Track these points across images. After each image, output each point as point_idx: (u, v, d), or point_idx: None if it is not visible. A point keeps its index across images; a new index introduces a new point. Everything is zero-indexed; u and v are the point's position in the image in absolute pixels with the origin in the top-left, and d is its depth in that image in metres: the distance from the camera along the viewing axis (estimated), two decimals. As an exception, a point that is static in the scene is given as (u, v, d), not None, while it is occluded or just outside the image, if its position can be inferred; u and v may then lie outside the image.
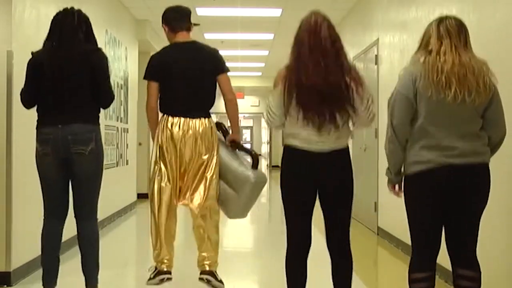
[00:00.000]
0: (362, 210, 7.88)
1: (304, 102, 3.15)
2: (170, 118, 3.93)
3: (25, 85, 3.80)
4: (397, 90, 3.10)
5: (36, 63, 3.73)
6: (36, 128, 3.75)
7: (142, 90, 10.31)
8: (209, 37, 11.15)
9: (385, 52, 6.96)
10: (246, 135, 40.72)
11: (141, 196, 10.47)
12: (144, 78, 4.06)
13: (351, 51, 8.92)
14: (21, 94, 3.83)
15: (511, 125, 3.76)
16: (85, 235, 3.78)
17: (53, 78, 3.66)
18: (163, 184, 3.95)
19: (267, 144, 25.50)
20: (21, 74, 4.60)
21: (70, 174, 3.73)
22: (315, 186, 3.25)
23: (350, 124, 3.27)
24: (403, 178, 3.20)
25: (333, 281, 3.32)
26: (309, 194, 3.26)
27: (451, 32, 3.05)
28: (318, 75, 3.12)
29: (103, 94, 3.77)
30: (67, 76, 3.66)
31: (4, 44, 4.68)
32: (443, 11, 5.03)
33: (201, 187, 3.94)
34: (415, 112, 3.04)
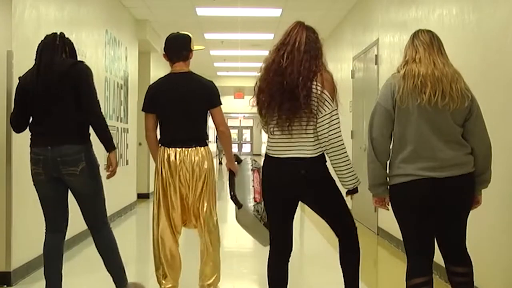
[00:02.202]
0: (362, 210, 7.88)
1: (266, 105, 3.18)
2: (167, 150, 3.99)
3: (13, 110, 3.84)
4: (377, 102, 3.14)
5: (20, 89, 3.77)
6: (30, 147, 3.78)
7: (142, 90, 10.34)
8: (209, 37, 11.15)
9: (385, 52, 6.96)
10: (246, 135, 40.72)
11: (141, 196, 10.48)
12: (142, 110, 4.11)
13: (351, 51, 8.92)
14: (11, 120, 3.86)
15: (511, 123, 3.77)
16: (102, 245, 3.86)
17: (37, 100, 3.69)
18: (163, 216, 3.99)
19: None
20: (21, 74, 4.60)
21: (67, 190, 3.78)
22: (292, 192, 3.24)
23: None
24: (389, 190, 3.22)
25: (341, 265, 3.32)
26: (285, 202, 3.26)
27: (424, 42, 3.14)
28: (276, 76, 3.14)
29: (90, 107, 3.71)
30: (50, 95, 3.66)
31: (4, 44, 4.68)
32: (443, 11, 5.04)
33: (200, 221, 4.02)
34: (394, 124, 3.07)
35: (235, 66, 16.09)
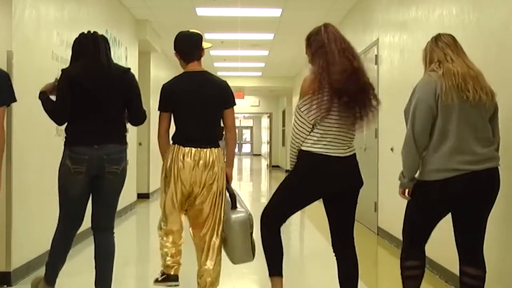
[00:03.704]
0: (362, 210, 7.87)
1: (340, 104, 3.25)
2: (182, 148, 3.94)
3: (58, 100, 3.73)
4: (418, 98, 3.20)
5: (74, 81, 3.69)
6: (69, 145, 3.73)
7: (142, 90, 10.35)
8: (209, 37, 11.14)
9: (385, 52, 6.97)
10: (246, 135, 40.74)
11: (141, 196, 10.49)
12: (158, 109, 4.10)
13: (351, 51, 8.92)
14: (54, 112, 3.76)
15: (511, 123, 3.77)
16: (104, 246, 3.85)
17: (89, 97, 3.69)
18: (174, 214, 3.97)
19: (267, 144, 25.51)
20: (21, 74, 4.61)
21: (95, 190, 3.79)
22: (329, 190, 3.33)
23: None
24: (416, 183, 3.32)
25: (340, 283, 3.34)
26: (316, 197, 3.37)
27: (449, 43, 3.27)
28: (350, 77, 3.24)
29: (138, 114, 3.95)
30: (106, 96, 3.72)
31: (4, 44, 4.67)
32: (443, 11, 5.04)
33: (210, 230, 3.99)
34: (437, 120, 3.17)
35: (235, 66, 16.09)
